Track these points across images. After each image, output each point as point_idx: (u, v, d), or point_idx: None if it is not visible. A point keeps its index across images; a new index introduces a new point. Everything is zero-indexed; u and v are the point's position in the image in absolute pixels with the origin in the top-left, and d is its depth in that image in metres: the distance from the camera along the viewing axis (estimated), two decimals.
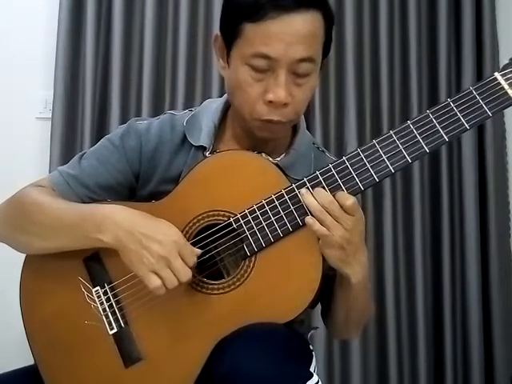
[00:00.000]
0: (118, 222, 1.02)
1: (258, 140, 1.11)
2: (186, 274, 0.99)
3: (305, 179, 1.02)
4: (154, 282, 0.99)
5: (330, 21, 1.05)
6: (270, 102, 1.02)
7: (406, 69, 2.34)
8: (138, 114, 2.27)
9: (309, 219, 0.99)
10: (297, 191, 1.02)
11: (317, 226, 0.98)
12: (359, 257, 1.02)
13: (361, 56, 2.32)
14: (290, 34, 0.99)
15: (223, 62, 1.10)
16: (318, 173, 1.02)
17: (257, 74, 1.02)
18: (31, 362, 1.12)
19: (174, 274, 0.99)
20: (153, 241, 0.99)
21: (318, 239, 1.00)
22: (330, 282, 1.09)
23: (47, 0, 2.33)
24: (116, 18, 2.25)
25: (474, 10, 2.33)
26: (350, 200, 0.97)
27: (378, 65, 2.33)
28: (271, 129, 1.08)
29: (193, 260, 1.00)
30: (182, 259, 0.99)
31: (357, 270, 1.02)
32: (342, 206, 0.97)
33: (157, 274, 0.99)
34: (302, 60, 1.01)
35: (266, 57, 1.00)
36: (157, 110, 2.23)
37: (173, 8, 2.30)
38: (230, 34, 1.04)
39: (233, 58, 1.05)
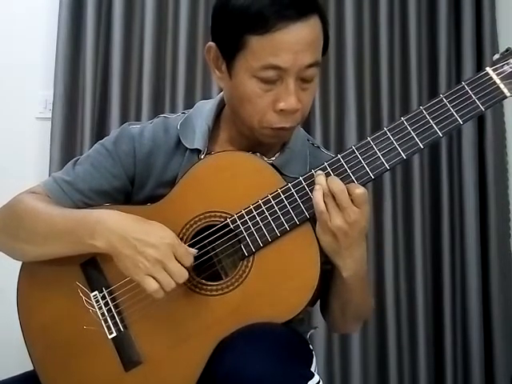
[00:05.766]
0: (111, 227, 1.02)
1: (253, 141, 1.11)
2: (182, 276, 0.99)
3: (300, 178, 1.03)
4: (151, 285, 0.99)
5: (326, 21, 1.06)
6: (282, 110, 1.03)
7: (406, 69, 2.34)
8: (138, 114, 2.27)
9: (317, 195, 0.98)
10: (293, 190, 1.02)
11: (320, 204, 0.98)
12: (353, 252, 1.02)
13: (361, 56, 2.32)
14: (298, 42, 1.00)
15: (219, 73, 1.09)
16: (313, 171, 1.02)
17: (266, 86, 1.03)
18: (31, 366, 1.12)
19: (171, 277, 0.99)
20: (147, 245, 0.99)
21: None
22: (327, 275, 1.09)
23: (47, 0, 2.33)
24: (116, 18, 2.26)
25: (474, 9, 2.33)
26: (360, 189, 0.98)
27: (378, 65, 2.33)
28: (281, 135, 1.10)
29: (189, 260, 1.00)
30: (178, 260, 0.99)
31: (348, 264, 1.02)
32: (350, 195, 0.97)
33: (153, 277, 0.99)
34: (310, 65, 1.02)
35: (275, 68, 1.00)
36: (157, 110, 2.23)
37: (173, 9, 2.30)
38: (231, 46, 1.03)
39: (237, 71, 1.04)
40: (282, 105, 1.03)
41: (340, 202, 0.98)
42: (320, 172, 1.01)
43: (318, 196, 0.99)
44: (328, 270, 1.07)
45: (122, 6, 2.27)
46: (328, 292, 1.11)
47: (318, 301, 1.18)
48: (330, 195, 0.98)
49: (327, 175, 1.00)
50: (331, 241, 1.00)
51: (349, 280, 1.04)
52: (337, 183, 0.98)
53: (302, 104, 1.05)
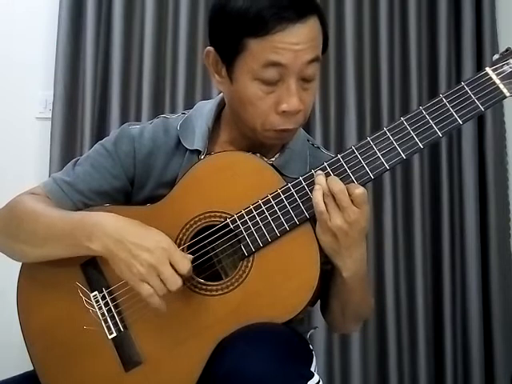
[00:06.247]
0: (107, 231, 1.02)
1: (254, 142, 1.11)
2: (175, 283, 0.99)
3: (300, 178, 1.03)
4: (145, 290, 0.99)
5: (324, 21, 1.07)
6: (284, 111, 1.03)
7: (406, 68, 2.34)
8: (138, 114, 2.27)
9: (317, 195, 0.98)
10: (293, 190, 1.02)
11: (320, 205, 0.98)
12: (353, 252, 1.01)
13: (361, 56, 2.32)
14: (297, 42, 1.00)
15: (219, 77, 1.09)
16: (313, 171, 1.02)
17: (267, 87, 1.03)
18: (31, 366, 1.12)
19: (164, 283, 0.98)
20: (142, 249, 0.99)
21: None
22: (327, 275, 1.09)
23: (47, 0, 2.33)
24: (116, 18, 2.26)
25: (474, 9, 2.33)
26: (359, 189, 0.98)
27: (378, 65, 2.33)
28: (284, 137, 1.10)
29: (185, 266, 0.99)
30: (175, 265, 0.99)
31: (348, 264, 1.02)
32: (350, 195, 0.97)
33: (147, 282, 0.99)
34: (311, 61, 1.02)
35: (276, 64, 1.00)
36: (157, 111, 2.23)
37: (173, 9, 2.30)
38: (231, 50, 1.03)
39: (237, 74, 1.04)
40: (284, 106, 1.03)
41: (340, 201, 0.97)
42: (320, 172, 1.01)
43: (317, 196, 0.99)
44: (328, 270, 1.07)
45: (122, 5, 2.26)
46: (328, 292, 1.11)
47: (318, 301, 1.18)
48: (330, 195, 0.98)
49: (327, 175, 1.00)
50: (331, 241, 1.00)
51: (349, 280, 1.04)
52: (337, 183, 0.98)
53: (303, 104, 1.05)
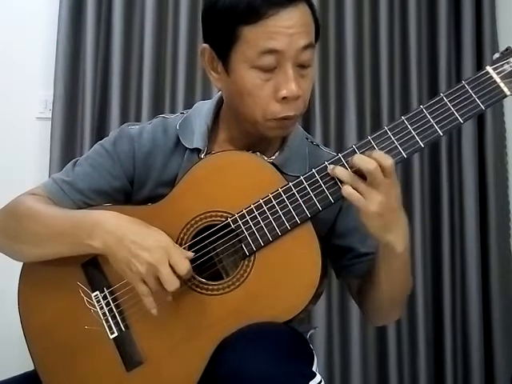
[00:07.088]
0: (108, 229, 1.03)
1: (253, 140, 1.11)
2: (173, 284, 0.99)
3: (301, 177, 1.03)
4: (141, 289, 1.00)
5: (313, 8, 1.07)
6: (284, 98, 1.03)
7: (406, 68, 2.34)
8: (138, 114, 2.27)
9: (346, 188, 0.97)
10: (294, 190, 1.02)
11: (355, 196, 0.96)
12: (400, 222, 1.01)
13: (361, 56, 2.32)
14: (291, 26, 1.00)
15: (216, 74, 1.09)
16: (314, 171, 1.02)
17: (265, 75, 1.03)
18: (32, 366, 1.12)
19: (162, 284, 0.99)
20: (142, 248, 0.99)
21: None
22: (330, 273, 1.08)
23: (47, 0, 2.33)
24: (116, 18, 2.26)
25: (474, 9, 2.33)
26: (389, 160, 0.96)
27: (378, 65, 2.33)
28: (286, 126, 1.09)
29: (184, 267, 0.99)
30: (174, 266, 0.99)
31: (400, 235, 1.00)
32: (379, 166, 0.95)
33: (145, 281, 0.99)
34: (306, 47, 1.03)
35: (273, 51, 1.01)
36: (157, 111, 2.23)
37: (173, 9, 2.30)
38: (225, 42, 1.03)
39: (234, 66, 1.04)
40: (283, 92, 1.03)
41: (374, 178, 0.95)
42: (332, 166, 1.00)
43: (347, 189, 0.97)
44: (362, 254, 1.10)
45: (122, 5, 2.27)
46: (372, 279, 1.10)
47: (319, 300, 1.18)
48: (357, 179, 0.97)
49: (328, 175, 1.00)
50: (378, 220, 0.97)
51: (403, 254, 1.02)
52: (371, 162, 0.95)
53: (302, 91, 1.04)
